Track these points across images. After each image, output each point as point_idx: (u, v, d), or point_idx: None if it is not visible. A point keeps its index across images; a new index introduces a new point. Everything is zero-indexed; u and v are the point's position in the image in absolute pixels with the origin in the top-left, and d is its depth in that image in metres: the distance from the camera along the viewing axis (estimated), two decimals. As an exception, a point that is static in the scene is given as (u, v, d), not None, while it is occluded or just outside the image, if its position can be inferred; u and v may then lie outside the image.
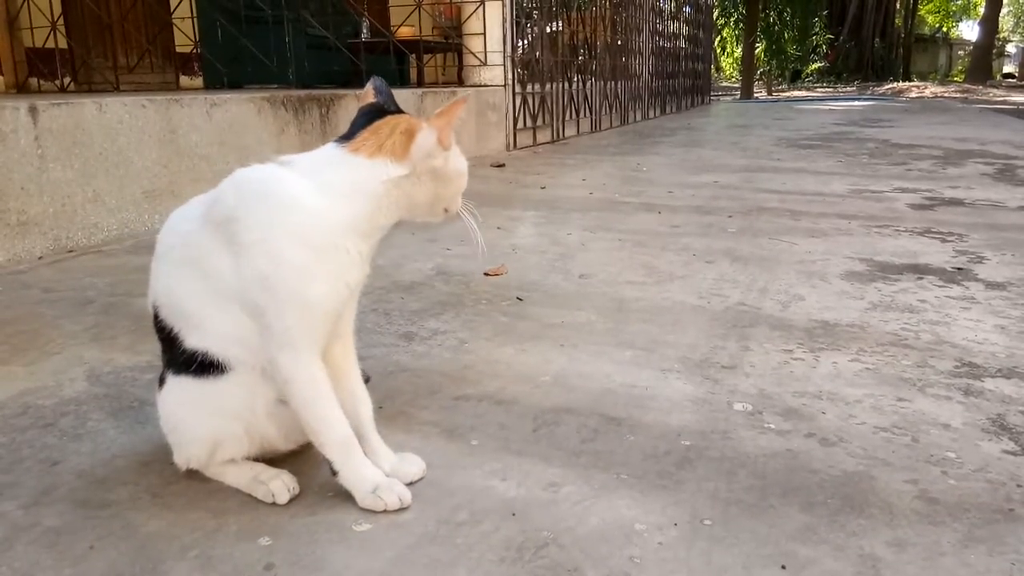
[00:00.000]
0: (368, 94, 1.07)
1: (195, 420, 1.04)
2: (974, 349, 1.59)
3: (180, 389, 1.03)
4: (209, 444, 1.05)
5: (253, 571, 0.91)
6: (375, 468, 1.04)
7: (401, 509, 1.01)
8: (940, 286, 2.04)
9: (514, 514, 1.01)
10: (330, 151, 1.01)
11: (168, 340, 1.04)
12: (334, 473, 1.03)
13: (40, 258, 2.38)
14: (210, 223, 0.99)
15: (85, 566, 0.92)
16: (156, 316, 1.05)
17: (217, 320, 1.00)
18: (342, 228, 0.97)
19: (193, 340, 1.01)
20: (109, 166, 2.60)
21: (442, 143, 1.00)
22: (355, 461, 1.03)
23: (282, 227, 0.95)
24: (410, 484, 1.07)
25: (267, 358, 0.99)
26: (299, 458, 1.12)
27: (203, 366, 1.01)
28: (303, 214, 0.95)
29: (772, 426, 1.26)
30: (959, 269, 2.21)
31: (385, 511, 1.01)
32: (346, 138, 1.01)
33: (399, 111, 1.05)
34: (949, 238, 2.61)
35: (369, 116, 1.03)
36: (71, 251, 2.47)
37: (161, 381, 1.07)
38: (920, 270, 2.21)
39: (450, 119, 1.00)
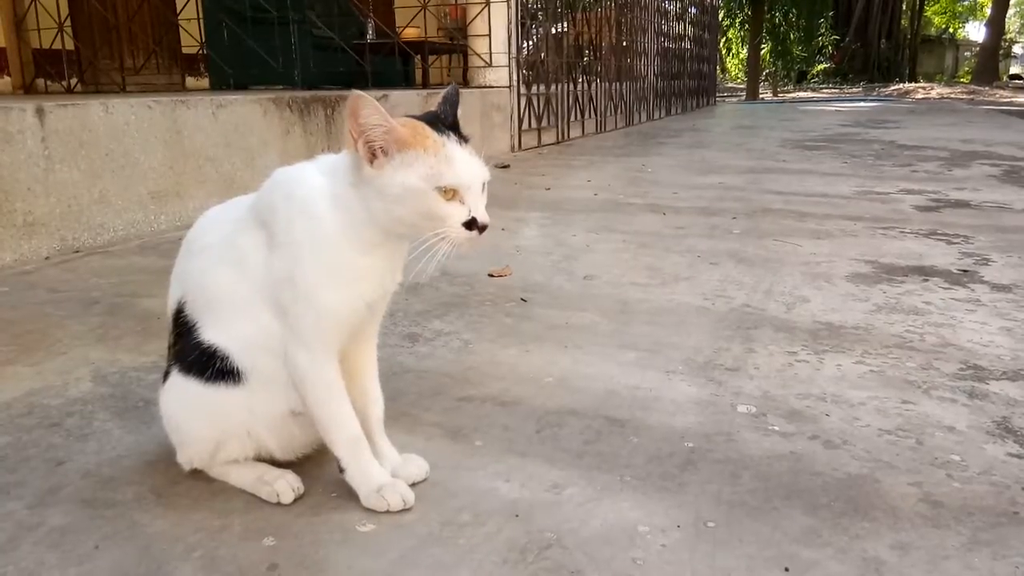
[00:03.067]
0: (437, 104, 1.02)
1: (198, 423, 1.05)
2: (979, 351, 1.58)
3: (186, 392, 1.03)
4: (211, 445, 1.05)
5: (257, 571, 0.91)
6: (381, 468, 1.05)
7: (404, 510, 1.01)
8: (945, 288, 2.04)
9: (517, 515, 1.02)
10: (343, 152, 0.99)
11: (184, 333, 1.04)
12: (341, 470, 1.03)
13: (47, 258, 2.39)
14: (254, 222, 1.00)
15: (90, 566, 0.92)
16: (180, 311, 1.05)
17: (245, 322, 1.00)
18: (339, 238, 0.95)
19: (211, 334, 1.01)
20: (115, 167, 2.61)
21: (347, 144, 0.93)
22: (362, 460, 1.03)
23: (302, 232, 0.95)
24: (413, 485, 1.08)
25: (286, 354, 0.99)
26: (303, 458, 1.13)
27: (216, 373, 1.01)
28: (317, 221, 0.95)
29: (776, 428, 1.26)
30: (965, 271, 2.21)
31: (388, 511, 1.01)
32: None
33: (454, 121, 0.98)
34: (955, 240, 2.61)
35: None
36: (77, 251, 2.48)
37: (165, 375, 1.07)
38: (925, 272, 2.20)
39: (348, 122, 0.90)
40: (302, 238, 0.95)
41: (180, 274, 1.07)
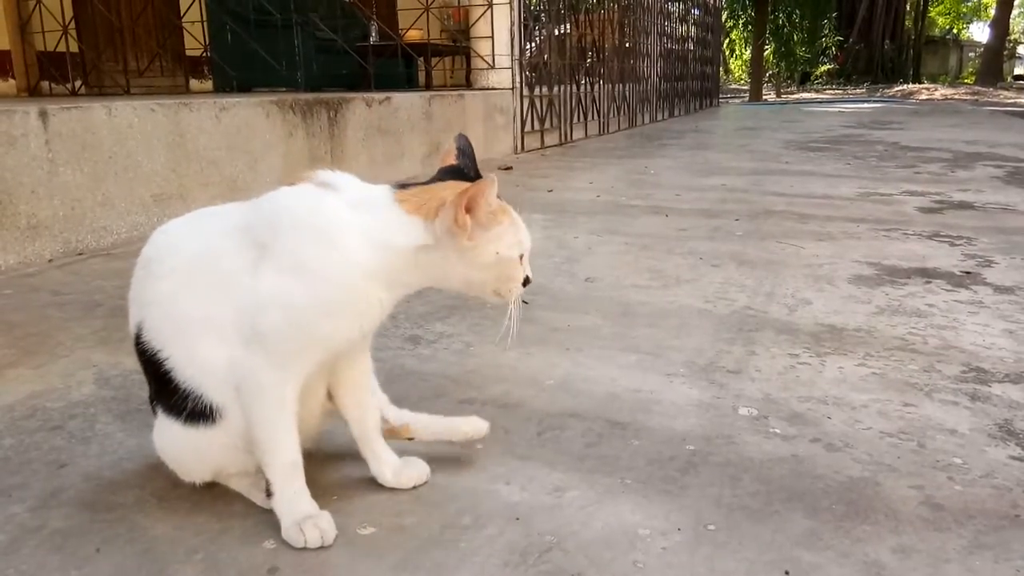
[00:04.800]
0: (450, 154, 1.03)
1: (191, 460, 1.04)
2: (982, 354, 1.58)
3: (173, 433, 1.01)
4: (209, 473, 1.06)
5: (258, 574, 0.91)
6: (311, 501, 0.99)
7: (321, 548, 0.95)
8: (948, 290, 2.03)
9: (518, 518, 1.02)
10: (382, 192, 0.97)
11: (155, 365, 0.99)
12: (269, 494, 0.99)
13: (50, 261, 2.40)
14: (246, 242, 0.95)
15: (91, 569, 0.93)
16: (138, 338, 1.01)
17: (224, 351, 0.95)
18: (369, 274, 0.94)
19: (185, 370, 0.97)
20: (118, 170, 2.62)
21: (457, 223, 0.92)
22: (294, 489, 0.99)
23: (315, 260, 0.92)
24: (414, 488, 1.08)
25: (246, 370, 0.94)
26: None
27: (192, 415, 0.98)
28: (339, 253, 0.92)
29: (777, 431, 1.26)
30: (967, 273, 2.20)
31: (305, 547, 0.95)
32: (404, 186, 0.98)
33: (477, 175, 1.01)
34: (958, 242, 2.60)
35: (443, 177, 1.00)
36: (80, 254, 2.49)
37: (153, 408, 1.05)
38: (928, 274, 2.20)
39: (461, 202, 0.92)
40: (313, 266, 0.92)
41: (140, 298, 1.02)
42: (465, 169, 1.02)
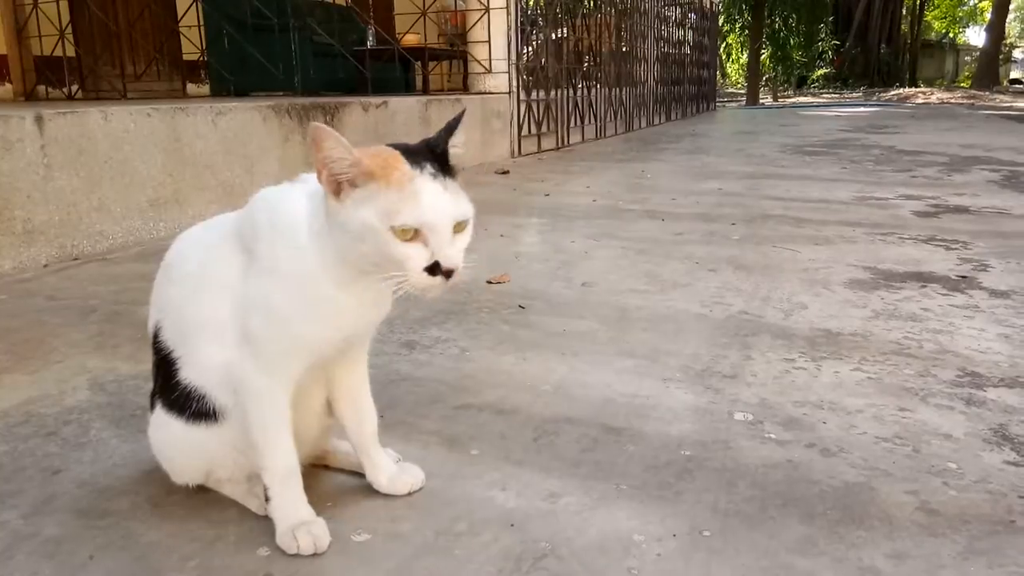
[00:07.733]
0: None
1: (185, 458, 1.04)
2: (977, 358, 1.58)
3: (170, 429, 1.01)
4: (201, 474, 1.06)
5: (251, 581, 0.91)
6: (308, 508, 0.99)
7: (314, 555, 0.95)
8: (944, 294, 2.04)
9: (513, 525, 1.01)
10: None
11: (167, 365, 1.01)
12: (267, 499, 0.99)
13: (45, 266, 2.40)
14: (237, 247, 0.96)
15: (84, 576, 0.92)
16: (156, 337, 1.03)
17: (224, 354, 0.96)
18: (319, 271, 0.90)
19: (189, 370, 0.99)
20: (114, 174, 2.61)
21: (320, 178, 0.86)
22: (290, 495, 0.99)
23: (286, 262, 0.92)
24: (409, 494, 1.08)
25: (240, 376, 0.95)
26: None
27: (194, 414, 0.99)
28: (298, 251, 0.91)
29: (773, 436, 1.26)
30: (963, 277, 2.21)
31: (297, 554, 0.95)
32: None
33: (443, 151, 0.90)
34: (953, 246, 2.61)
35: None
36: (76, 259, 2.48)
37: (152, 403, 1.06)
38: (924, 278, 2.20)
39: (312, 153, 0.84)
40: (285, 268, 0.91)
41: (158, 300, 1.04)
42: (432, 143, 0.91)
